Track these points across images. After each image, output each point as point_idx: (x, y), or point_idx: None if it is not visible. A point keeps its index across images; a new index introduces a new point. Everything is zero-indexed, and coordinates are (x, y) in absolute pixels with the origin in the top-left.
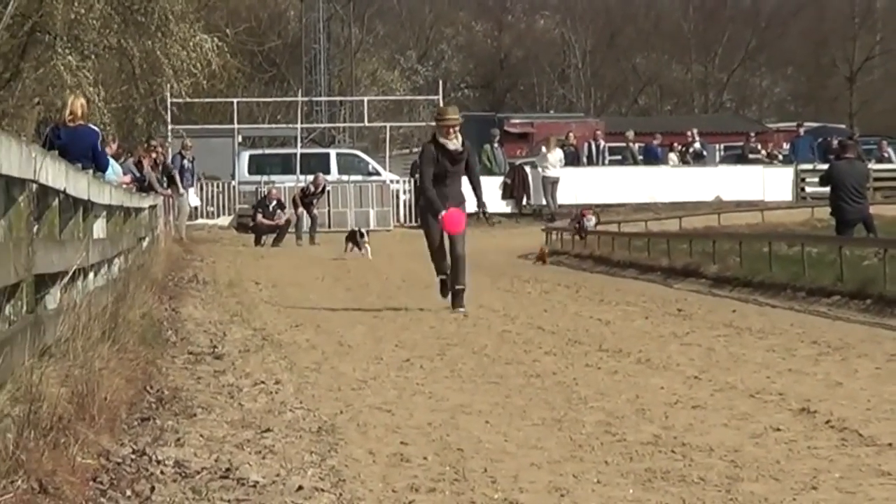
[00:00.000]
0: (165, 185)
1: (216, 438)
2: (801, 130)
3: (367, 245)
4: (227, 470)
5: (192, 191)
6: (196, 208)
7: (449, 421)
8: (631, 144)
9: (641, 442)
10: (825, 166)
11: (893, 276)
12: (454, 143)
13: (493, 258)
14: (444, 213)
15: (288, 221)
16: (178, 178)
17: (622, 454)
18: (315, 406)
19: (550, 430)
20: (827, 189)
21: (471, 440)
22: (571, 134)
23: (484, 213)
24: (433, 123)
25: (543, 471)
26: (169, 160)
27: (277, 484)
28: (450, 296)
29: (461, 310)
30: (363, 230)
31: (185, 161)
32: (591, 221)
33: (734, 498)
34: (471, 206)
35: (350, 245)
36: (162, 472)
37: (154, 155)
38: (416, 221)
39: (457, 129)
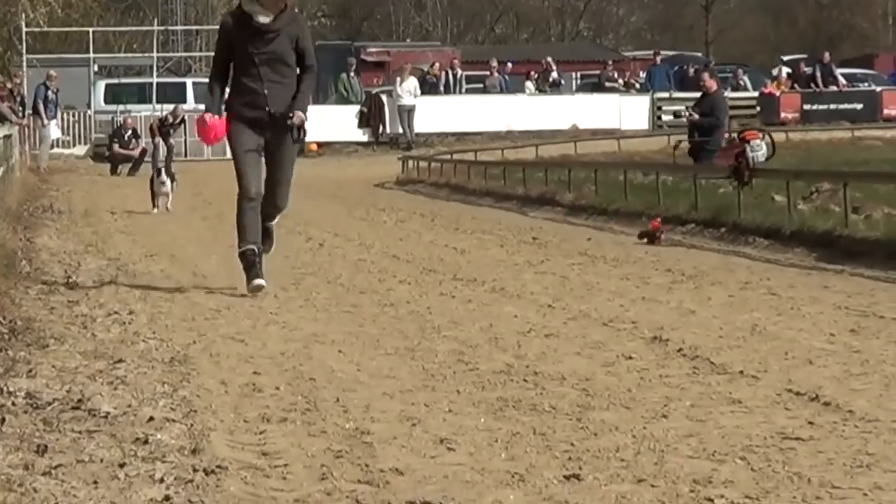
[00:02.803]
0: (22, 114)
1: (68, 369)
2: (658, 59)
3: (170, 190)
4: (79, 401)
5: (54, 122)
6: (58, 139)
7: (302, 350)
8: (497, 73)
9: (494, 371)
10: (683, 95)
11: (748, 204)
12: (266, 13)
13: (350, 187)
14: (207, 116)
15: (144, 151)
16: (41, 108)
17: (474, 383)
18: (168, 336)
19: (403, 359)
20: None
21: (323, 370)
22: (437, 64)
23: (293, 127)
24: None
25: (395, 400)
26: (25, 90)
27: (129, 415)
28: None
29: (258, 281)
30: (167, 167)
31: (50, 92)
32: (760, 151)
33: (585, 426)
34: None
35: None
36: (13, 404)
37: (9, 85)
38: None
39: None
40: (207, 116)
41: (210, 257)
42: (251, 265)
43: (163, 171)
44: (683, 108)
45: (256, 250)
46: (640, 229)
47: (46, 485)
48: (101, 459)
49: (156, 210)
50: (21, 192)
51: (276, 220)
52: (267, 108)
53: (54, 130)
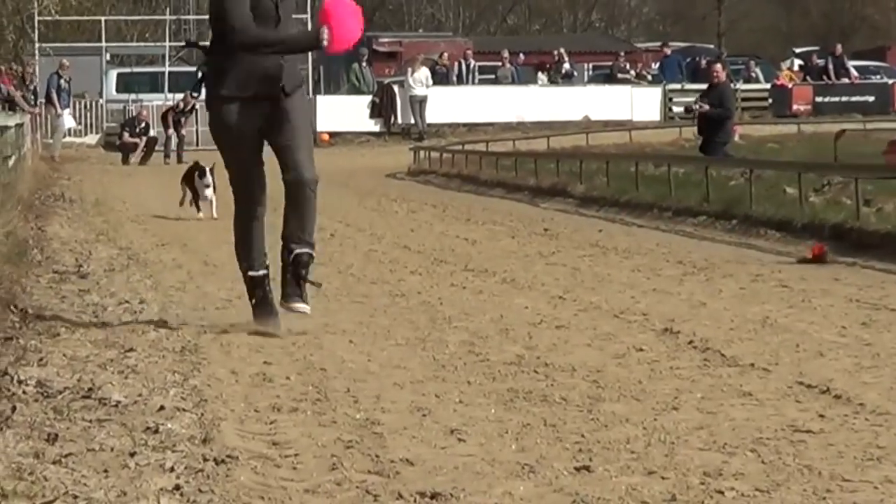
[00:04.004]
0: (34, 102)
1: (79, 358)
2: (668, 50)
3: (212, 193)
4: (90, 390)
5: (67, 111)
6: (71, 129)
7: (312, 340)
8: (508, 64)
9: (504, 362)
10: (695, 86)
11: (759, 196)
12: None
13: (361, 177)
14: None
15: (155, 139)
16: (55, 97)
17: (485, 374)
18: (179, 325)
19: (414, 349)
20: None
21: (334, 360)
22: (446, 54)
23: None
24: None
25: (406, 391)
26: (37, 79)
27: (139, 404)
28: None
29: (300, 306)
30: (208, 168)
31: (62, 81)
32: None
33: (595, 418)
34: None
35: (188, 194)
36: (24, 392)
37: (22, 74)
38: None
39: None
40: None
41: (221, 247)
42: (256, 291)
43: (207, 170)
44: (693, 101)
45: (265, 275)
46: (799, 258)
47: (56, 473)
48: (112, 448)
49: (201, 214)
50: (32, 180)
51: (308, 250)
52: (282, 84)
53: (68, 120)
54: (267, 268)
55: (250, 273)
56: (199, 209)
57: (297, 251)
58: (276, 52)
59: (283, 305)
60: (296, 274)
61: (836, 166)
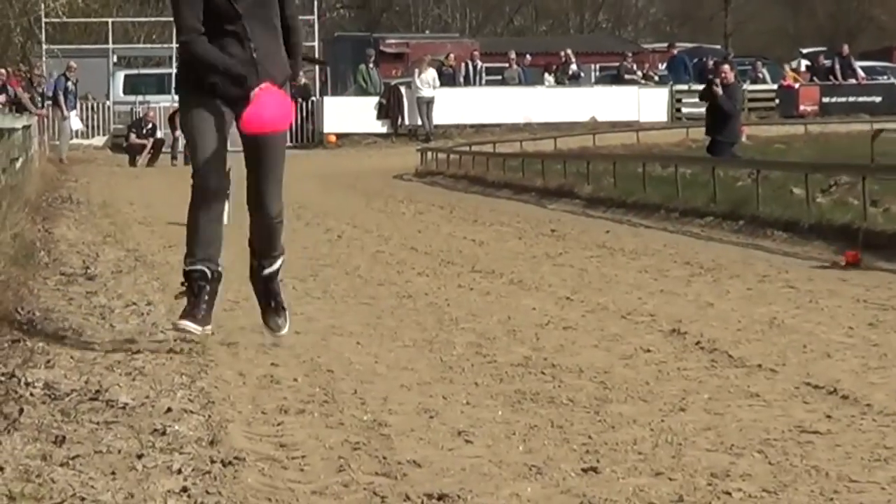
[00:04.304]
0: (41, 105)
1: (86, 360)
2: (675, 51)
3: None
4: (97, 392)
5: (74, 113)
6: (78, 131)
7: (320, 342)
8: (515, 65)
9: (512, 363)
10: (702, 87)
11: (766, 197)
12: None
13: (368, 179)
14: (254, 85)
15: (162, 141)
16: (62, 100)
17: (492, 375)
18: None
19: (421, 351)
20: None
21: (341, 361)
22: (453, 55)
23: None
24: None
25: (413, 392)
26: (44, 80)
27: (146, 406)
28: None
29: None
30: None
31: (69, 83)
32: None
33: (603, 419)
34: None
35: None
36: (31, 394)
37: (29, 76)
38: (296, 140)
39: None
40: (263, 90)
41: (228, 248)
42: (196, 293)
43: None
44: (710, 76)
45: (209, 273)
46: (828, 262)
47: (64, 476)
48: (119, 450)
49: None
50: (40, 182)
51: (279, 263)
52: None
53: (75, 122)
54: (209, 263)
55: (187, 264)
56: None
57: (268, 270)
58: (217, 73)
59: (271, 333)
60: (269, 293)
61: (842, 166)
